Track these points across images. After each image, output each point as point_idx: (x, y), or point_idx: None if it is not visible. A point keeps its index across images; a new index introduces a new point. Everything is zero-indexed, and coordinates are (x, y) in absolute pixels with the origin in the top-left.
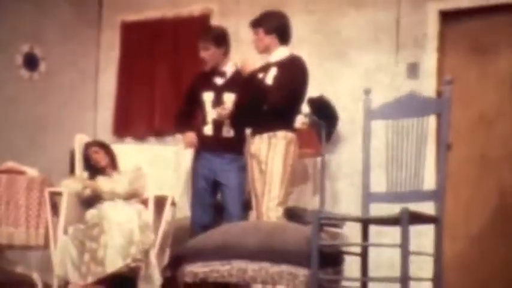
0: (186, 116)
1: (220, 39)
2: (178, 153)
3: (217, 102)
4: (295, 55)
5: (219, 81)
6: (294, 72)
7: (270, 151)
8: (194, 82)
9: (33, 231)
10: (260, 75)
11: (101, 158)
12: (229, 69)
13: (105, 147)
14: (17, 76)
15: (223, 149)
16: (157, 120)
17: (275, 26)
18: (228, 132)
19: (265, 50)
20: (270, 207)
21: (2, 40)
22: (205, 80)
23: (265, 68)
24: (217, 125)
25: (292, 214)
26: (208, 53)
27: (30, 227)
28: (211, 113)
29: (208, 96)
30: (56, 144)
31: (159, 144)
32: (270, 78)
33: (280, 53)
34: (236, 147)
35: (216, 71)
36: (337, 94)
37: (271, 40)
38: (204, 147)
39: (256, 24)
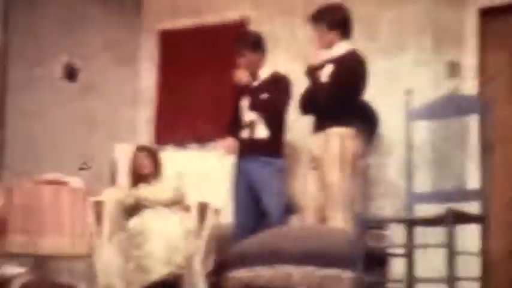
0: (234, 123)
1: (256, 45)
2: (220, 159)
3: (252, 105)
4: (353, 50)
5: (254, 84)
6: (347, 69)
7: (325, 150)
8: (238, 89)
9: (78, 240)
10: (319, 73)
11: (146, 166)
12: (264, 73)
13: (152, 155)
14: (57, 87)
15: (257, 151)
16: (198, 127)
17: (338, 20)
18: (261, 133)
19: (327, 46)
20: (334, 211)
21: (41, 51)
22: (244, 87)
23: (323, 65)
24: (252, 126)
25: None
26: (244, 59)
27: (75, 236)
28: (247, 116)
29: (245, 101)
30: (98, 154)
31: (201, 150)
32: (325, 75)
33: (340, 48)
34: (271, 149)
35: (252, 76)
36: (375, 95)
37: (333, 36)
38: (242, 152)
39: (318, 19)
